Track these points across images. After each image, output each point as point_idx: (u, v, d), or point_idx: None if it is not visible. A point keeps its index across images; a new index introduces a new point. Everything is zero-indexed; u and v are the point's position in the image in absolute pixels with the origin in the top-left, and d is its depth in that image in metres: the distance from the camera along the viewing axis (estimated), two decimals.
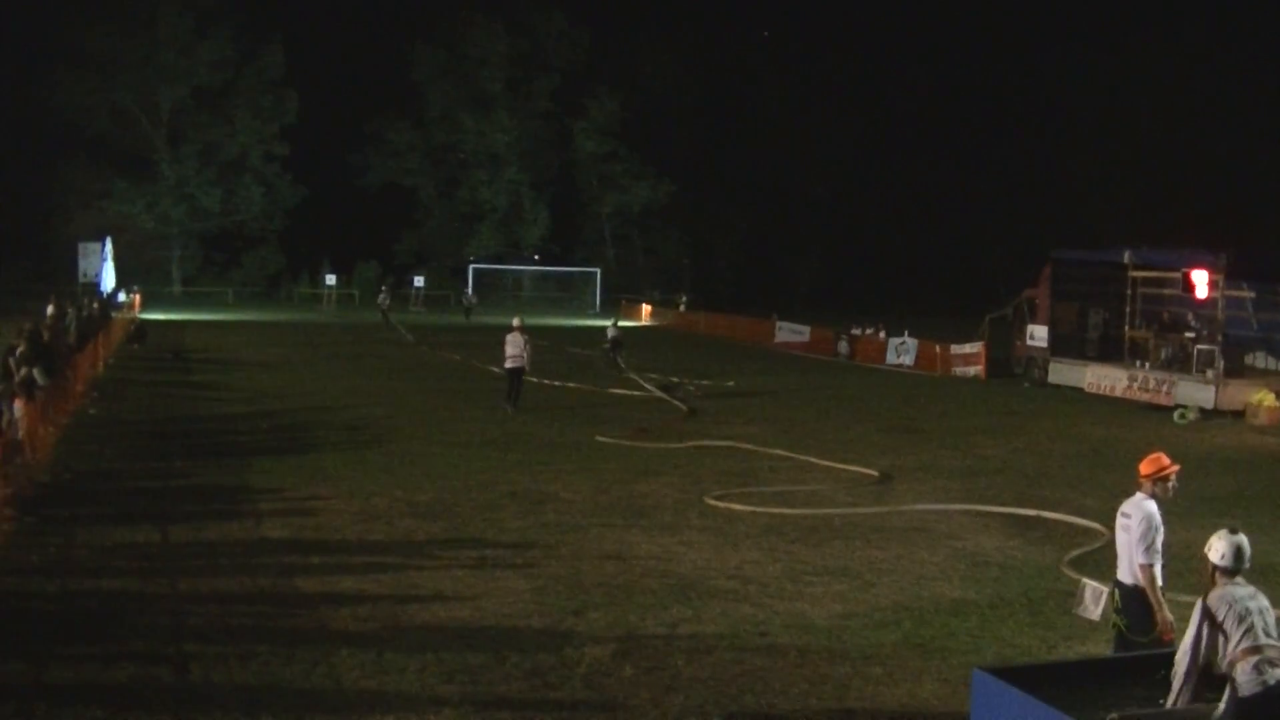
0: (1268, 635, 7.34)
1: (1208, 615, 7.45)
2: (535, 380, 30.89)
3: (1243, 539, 7.65)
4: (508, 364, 27.77)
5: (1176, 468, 9.29)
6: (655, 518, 16.16)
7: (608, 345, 38.53)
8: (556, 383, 32.63)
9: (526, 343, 27.84)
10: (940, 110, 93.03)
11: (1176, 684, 7.52)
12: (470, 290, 79.74)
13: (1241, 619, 7.35)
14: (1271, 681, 7.12)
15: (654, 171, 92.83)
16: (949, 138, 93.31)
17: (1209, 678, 7.53)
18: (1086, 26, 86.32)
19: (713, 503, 17.13)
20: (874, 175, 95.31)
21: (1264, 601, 7.52)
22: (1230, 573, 7.57)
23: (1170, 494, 9.26)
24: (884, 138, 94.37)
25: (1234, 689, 7.23)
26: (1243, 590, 7.50)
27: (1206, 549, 7.70)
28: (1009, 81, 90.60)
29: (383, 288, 69.49)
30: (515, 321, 29.50)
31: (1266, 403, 28.65)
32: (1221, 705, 7.32)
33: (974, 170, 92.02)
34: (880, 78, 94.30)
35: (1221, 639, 7.40)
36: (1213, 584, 7.58)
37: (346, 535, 14.70)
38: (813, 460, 21.27)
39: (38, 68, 78.40)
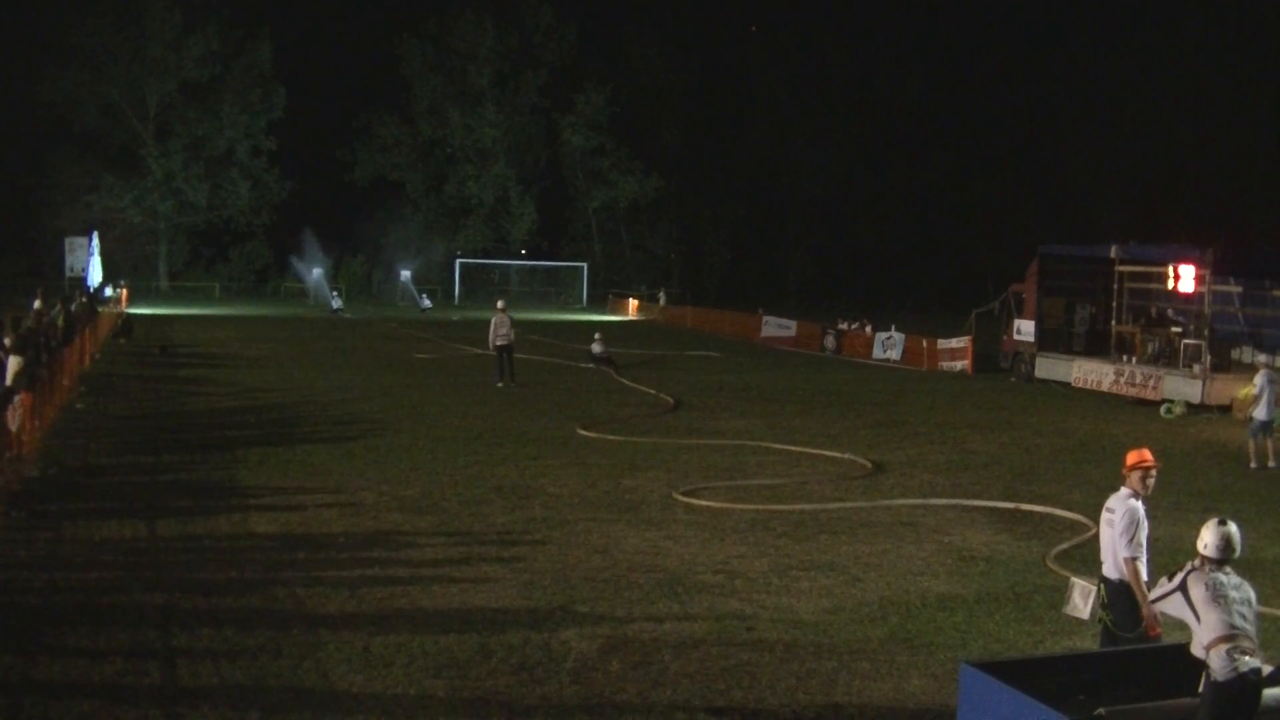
0: (1244, 622, 7.41)
1: (1183, 585, 7.69)
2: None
3: (1232, 529, 7.73)
4: (499, 342, 30.52)
5: (1157, 465, 9.41)
6: (642, 512, 16.16)
7: (592, 362, 36.94)
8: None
9: (512, 324, 30.96)
10: (931, 106, 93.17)
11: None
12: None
13: (1218, 604, 7.44)
14: (1244, 668, 7.22)
15: (642, 166, 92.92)
16: (939, 134, 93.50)
17: (1187, 664, 7.64)
18: (1078, 24, 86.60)
19: (680, 498, 17.14)
20: (864, 170, 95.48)
21: (1248, 593, 7.61)
22: (1218, 563, 7.66)
23: (1147, 490, 9.35)
24: (874, 133, 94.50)
25: (1209, 675, 7.32)
26: (1229, 579, 7.58)
27: (1198, 538, 7.81)
28: (1000, 78, 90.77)
29: (334, 292, 70.57)
30: (500, 304, 32.61)
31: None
32: (1200, 693, 7.41)
33: (964, 166, 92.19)
34: (871, 73, 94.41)
35: (1192, 616, 7.57)
36: (1203, 570, 7.69)
37: (334, 530, 14.68)
38: (815, 452, 21.40)
39: (26, 61, 78.23)
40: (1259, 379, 22.25)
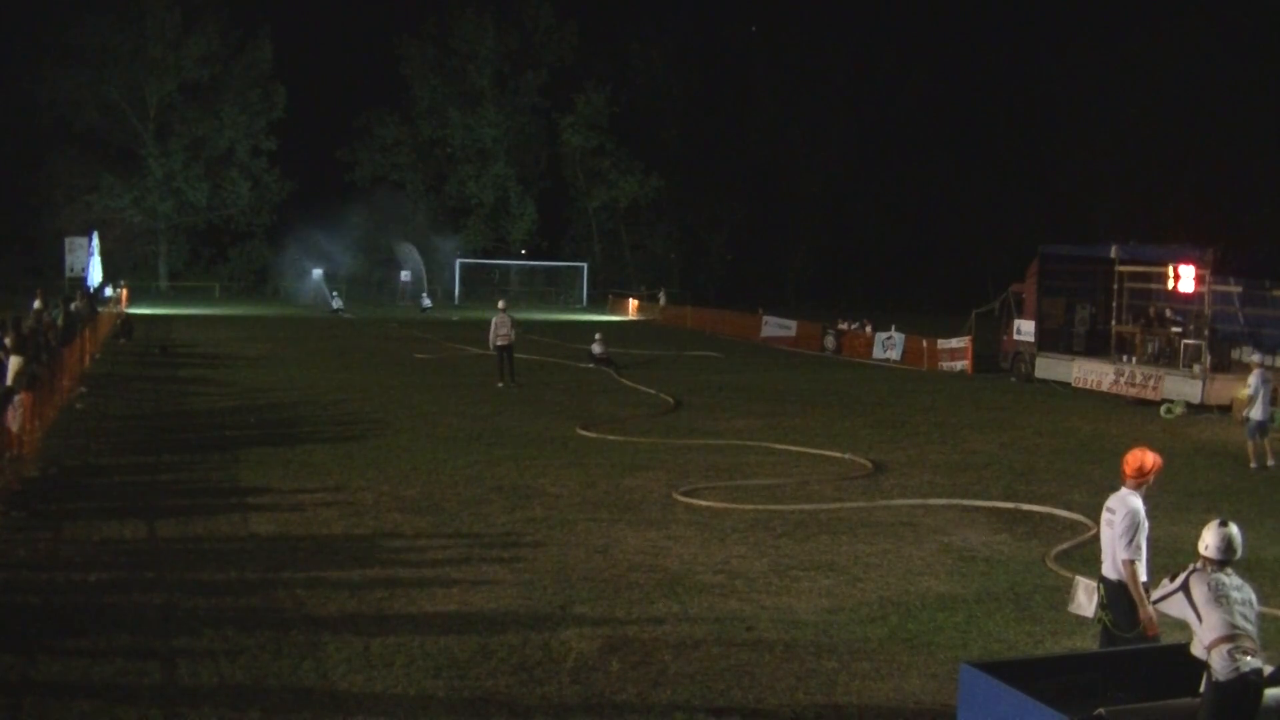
0: (1246, 622, 7.42)
1: (1185, 586, 7.68)
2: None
3: (1233, 531, 7.75)
4: (499, 342, 30.58)
5: (1158, 466, 9.35)
6: (642, 512, 16.15)
7: (591, 363, 36.79)
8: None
9: (513, 324, 31.09)
10: (931, 106, 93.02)
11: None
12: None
13: (1220, 604, 7.45)
14: (1245, 669, 7.23)
15: (642, 166, 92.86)
16: (940, 133, 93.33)
17: (1187, 664, 7.66)
18: (1078, 24, 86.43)
19: (680, 498, 17.13)
20: (864, 170, 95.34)
21: (1250, 594, 7.63)
22: (1219, 564, 7.68)
23: (1153, 489, 9.34)
24: (874, 133, 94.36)
25: (1210, 675, 7.34)
26: (1230, 580, 7.61)
27: (1199, 540, 7.82)
28: (1000, 78, 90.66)
29: (334, 292, 70.36)
30: (501, 304, 32.78)
31: None
32: (1201, 693, 7.43)
33: (964, 166, 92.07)
34: (871, 73, 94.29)
35: (1194, 616, 7.58)
36: (1205, 571, 7.72)
37: (334, 530, 14.68)
38: (814, 452, 21.40)
39: (26, 61, 78.23)
40: (1253, 379, 22.25)
